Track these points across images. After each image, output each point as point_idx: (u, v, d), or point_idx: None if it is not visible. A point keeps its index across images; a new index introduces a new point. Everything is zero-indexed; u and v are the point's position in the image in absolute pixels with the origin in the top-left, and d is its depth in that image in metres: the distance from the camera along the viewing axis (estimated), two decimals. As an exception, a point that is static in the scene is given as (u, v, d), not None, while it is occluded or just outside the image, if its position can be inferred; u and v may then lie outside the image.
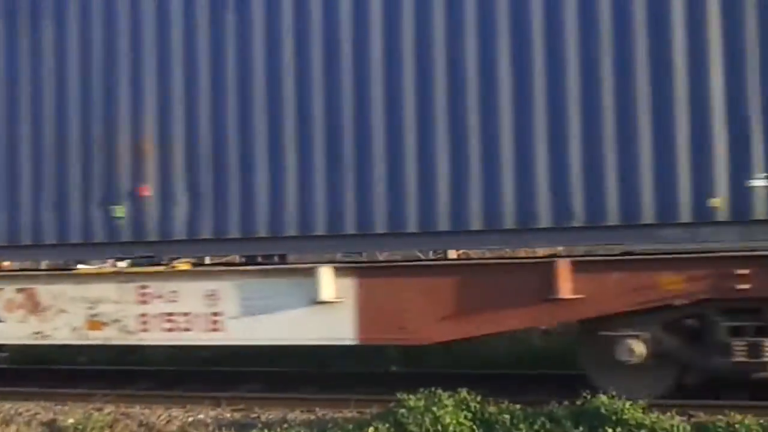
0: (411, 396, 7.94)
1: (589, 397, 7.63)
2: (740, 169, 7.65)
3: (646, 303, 7.88)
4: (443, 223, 8.36)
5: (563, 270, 8.02)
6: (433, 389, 7.98)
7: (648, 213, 7.86)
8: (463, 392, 7.93)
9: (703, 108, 7.75)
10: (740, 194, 7.65)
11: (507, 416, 7.64)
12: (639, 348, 7.99)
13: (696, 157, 7.75)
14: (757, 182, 7.59)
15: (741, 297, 7.63)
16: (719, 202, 7.66)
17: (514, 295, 8.16)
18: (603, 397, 7.56)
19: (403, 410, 7.78)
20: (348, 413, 8.47)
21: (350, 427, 7.90)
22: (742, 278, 7.61)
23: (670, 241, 7.94)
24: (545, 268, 8.09)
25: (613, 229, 7.97)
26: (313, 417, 8.58)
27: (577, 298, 8.00)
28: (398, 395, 8.04)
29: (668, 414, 7.49)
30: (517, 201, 8.16)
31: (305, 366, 10.60)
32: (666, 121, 7.82)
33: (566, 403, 7.81)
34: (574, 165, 8.02)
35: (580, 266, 8.07)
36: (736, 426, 7.14)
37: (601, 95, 7.98)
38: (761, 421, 7.21)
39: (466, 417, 7.68)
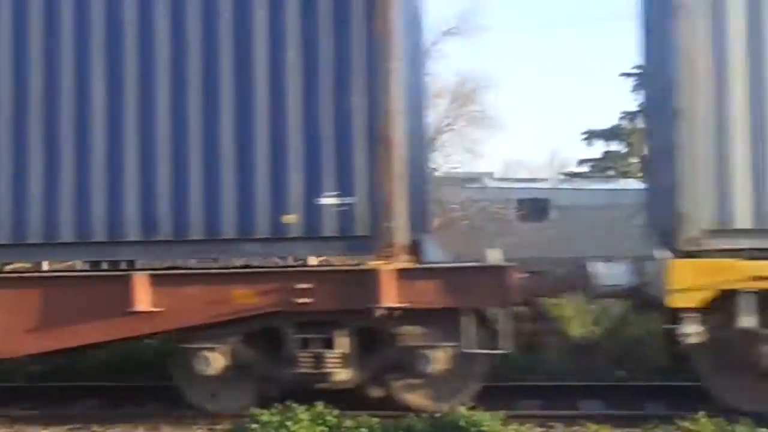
0: (264, 411, 7.56)
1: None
2: (312, 187, 8.02)
3: (222, 316, 8.07)
4: (34, 236, 8.24)
5: (140, 283, 8.09)
6: (288, 403, 7.63)
7: (230, 228, 8.08)
8: (320, 406, 7.61)
9: (280, 128, 8.09)
10: (312, 211, 7.99)
11: (365, 430, 7.46)
12: (216, 360, 8.08)
13: (273, 175, 8.07)
14: (326, 200, 7.93)
15: (305, 310, 7.98)
16: (293, 218, 7.97)
17: (96, 308, 8.15)
18: (462, 409, 7.56)
19: (255, 425, 7.41)
20: (197, 430, 8.00)
21: (197, 444, 7.45)
22: (306, 292, 7.95)
23: (248, 255, 8.47)
24: (124, 282, 8.12)
25: (197, 243, 8.15)
26: (158, 434, 8.03)
27: (156, 311, 8.06)
28: (251, 410, 7.63)
29: (527, 425, 7.59)
30: (108, 214, 8.18)
31: (151, 380, 9.97)
32: (246, 141, 8.10)
33: (425, 415, 7.71)
34: (161, 182, 8.13)
35: (158, 280, 8.16)
36: (590, 436, 7.27)
37: (188, 121, 8.11)
38: (613, 430, 7.47)
39: (322, 432, 7.39)
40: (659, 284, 7.65)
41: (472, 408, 7.55)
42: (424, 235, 9.28)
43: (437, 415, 7.62)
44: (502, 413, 7.51)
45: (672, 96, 7.76)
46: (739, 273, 7.45)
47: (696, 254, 7.56)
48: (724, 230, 7.58)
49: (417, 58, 10.17)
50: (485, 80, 28.98)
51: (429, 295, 7.83)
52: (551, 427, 7.80)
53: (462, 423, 7.33)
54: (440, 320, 7.91)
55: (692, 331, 7.53)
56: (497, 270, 7.87)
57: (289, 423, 7.36)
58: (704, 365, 7.98)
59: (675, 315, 7.64)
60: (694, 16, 7.62)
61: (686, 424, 7.27)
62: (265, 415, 7.47)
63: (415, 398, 8.16)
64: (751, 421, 7.33)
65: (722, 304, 7.54)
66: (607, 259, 8.69)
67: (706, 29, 7.63)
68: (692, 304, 7.49)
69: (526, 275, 8.25)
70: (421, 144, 10.19)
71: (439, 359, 7.87)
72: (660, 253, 7.79)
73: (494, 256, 7.95)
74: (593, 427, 7.42)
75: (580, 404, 8.51)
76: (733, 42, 7.60)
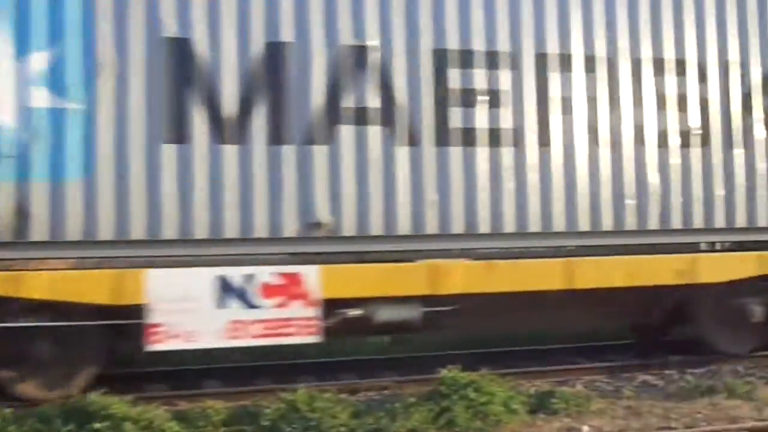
0: None
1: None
2: None
3: None
4: None
5: None
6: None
7: None
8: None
9: None
10: None
11: (-1, 420, 7.95)
12: None
13: None
14: None
15: None
16: None
17: None
18: (94, 395, 8.18)
19: None
20: None
21: None
22: None
23: None
24: None
25: None
26: None
27: None
28: None
29: (153, 404, 8.37)
30: None
31: None
32: None
33: (58, 402, 8.35)
34: None
35: None
36: (209, 411, 8.32)
37: None
38: (228, 405, 8.61)
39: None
40: None
41: (105, 393, 8.31)
42: None
43: (70, 401, 8.31)
44: (130, 396, 8.35)
45: None
46: None
47: None
48: None
49: None
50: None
51: None
52: (176, 404, 8.83)
53: (93, 408, 7.98)
54: None
55: None
56: None
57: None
58: None
59: None
60: None
61: (286, 395, 8.61)
62: None
63: None
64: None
65: None
66: None
67: None
68: None
69: None
70: None
71: None
72: None
73: None
74: (209, 402, 8.49)
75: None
76: None
